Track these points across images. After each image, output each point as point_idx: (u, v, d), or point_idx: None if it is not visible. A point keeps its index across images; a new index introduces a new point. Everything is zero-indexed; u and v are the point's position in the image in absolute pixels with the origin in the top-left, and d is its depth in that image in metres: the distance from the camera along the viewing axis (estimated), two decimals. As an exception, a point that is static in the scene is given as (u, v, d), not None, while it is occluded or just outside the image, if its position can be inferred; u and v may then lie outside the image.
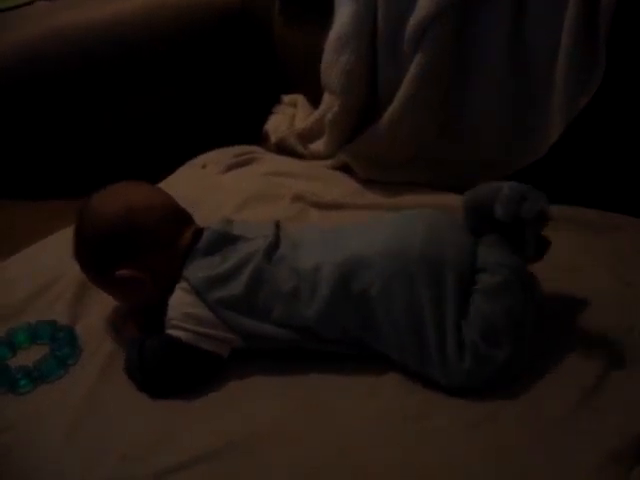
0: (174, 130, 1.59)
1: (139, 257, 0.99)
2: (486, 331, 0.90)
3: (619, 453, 0.81)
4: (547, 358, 0.93)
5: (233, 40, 1.62)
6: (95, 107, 1.52)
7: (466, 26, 1.26)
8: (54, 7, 1.61)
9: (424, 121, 1.32)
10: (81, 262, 1.04)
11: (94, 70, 1.50)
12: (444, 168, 1.34)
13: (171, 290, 0.99)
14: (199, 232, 1.03)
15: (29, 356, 1.03)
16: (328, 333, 0.96)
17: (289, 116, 1.57)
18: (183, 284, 0.98)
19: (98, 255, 1.01)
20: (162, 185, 1.40)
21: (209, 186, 1.39)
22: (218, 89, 1.61)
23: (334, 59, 1.35)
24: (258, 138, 1.57)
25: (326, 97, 1.43)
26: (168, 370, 0.96)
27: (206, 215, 1.19)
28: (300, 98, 1.59)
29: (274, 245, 1.01)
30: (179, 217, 1.04)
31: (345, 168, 1.41)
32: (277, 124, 1.57)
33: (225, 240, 1.01)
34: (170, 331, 0.97)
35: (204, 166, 1.47)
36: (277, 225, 1.05)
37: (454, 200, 1.26)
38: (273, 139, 1.54)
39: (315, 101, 1.51)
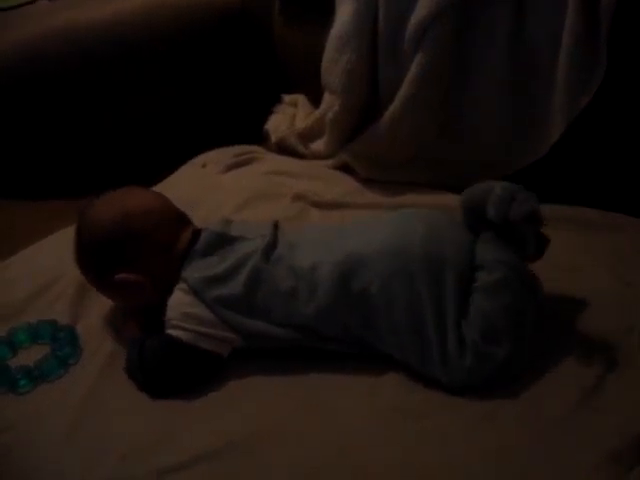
0: (174, 130, 1.59)
1: (137, 261, 1.00)
2: (486, 329, 0.90)
3: (619, 453, 0.81)
4: (547, 358, 0.93)
5: (233, 40, 1.62)
6: (95, 107, 1.52)
7: (466, 26, 1.26)
8: (55, 7, 1.61)
9: (424, 121, 1.32)
10: (81, 267, 1.05)
11: (94, 70, 1.50)
12: (444, 168, 1.33)
13: (170, 291, 0.99)
14: (197, 233, 1.03)
15: (30, 356, 1.03)
16: (329, 331, 0.96)
17: (289, 116, 1.57)
18: (182, 285, 0.99)
19: (97, 260, 1.02)
20: (162, 185, 1.40)
21: (209, 186, 1.39)
22: (218, 89, 1.61)
23: (335, 58, 1.35)
24: (258, 138, 1.57)
25: (326, 97, 1.43)
26: (168, 370, 0.96)
27: (206, 215, 1.19)
28: (300, 98, 1.59)
29: (272, 245, 1.01)
30: (177, 220, 1.05)
31: (345, 168, 1.41)
32: (277, 124, 1.57)
33: (223, 241, 1.02)
34: (170, 331, 0.97)
35: (204, 166, 1.47)
36: (275, 225, 1.05)
37: (454, 200, 1.25)
38: (273, 139, 1.53)
39: (315, 101, 1.51)
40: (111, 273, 1.00)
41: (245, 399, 0.93)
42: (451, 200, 1.24)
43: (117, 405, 0.95)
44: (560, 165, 1.24)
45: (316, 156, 1.47)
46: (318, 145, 1.48)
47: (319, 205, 1.30)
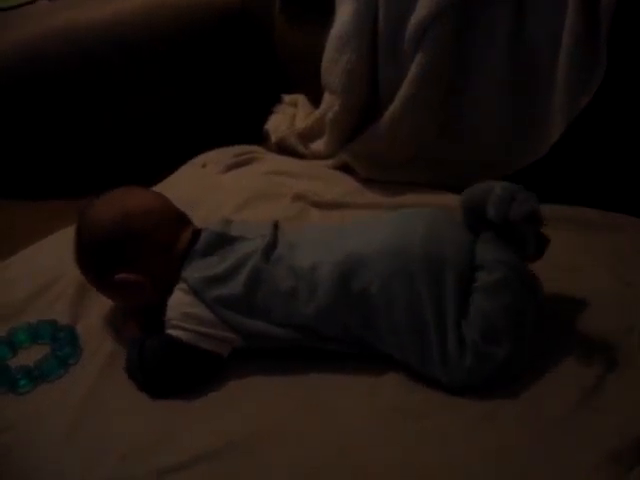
0: (174, 130, 1.59)
1: (137, 261, 1.00)
2: (486, 329, 0.90)
3: (619, 453, 0.81)
4: (547, 358, 0.93)
5: (233, 40, 1.62)
6: (95, 107, 1.52)
7: (466, 26, 1.26)
8: (55, 7, 1.61)
9: (424, 121, 1.32)
10: (81, 267, 1.05)
11: (94, 70, 1.50)
12: (444, 168, 1.33)
13: (170, 291, 0.99)
14: (197, 233, 1.03)
15: (30, 356, 1.03)
16: (328, 331, 0.96)
17: (289, 116, 1.57)
18: (182, 285, 0.99)
19: (96, 261, 1.02)
20: (162, 185, 1.40)
21: (209, 186, 1.39)
22: (218, 89, 1.61)
23: (335, 58, 1.35)
24: (259, 138, 1.57)
25: (327, 97, 1.43)
26: (168, 370, 0.96)
27: (206, 215, 1.19)
28: (300, 98, 1.59)
29: (272, 245, 1.01)
30: (176, 219, 1.05)
31: (345, 168, 1.41)
32: (277, 124, 1.57)
33: (223, 241, 1.02)
34: (170, 331, 0.97)
35: (204, 166, 1.47)
36: (275, 225, 1.05)
37: (454, 200, 1.25)
38: (273, 139, 1.53)
39: (315, 101, 1.51)
40: (111, 273, 1.00)
41: (245, 399, 0.93)
42: (451, 200, 1.24)
43: (117, 405, 0.95)
44: (560, 165, 1.24)
45: (316, 156, 1.47)
46: (318, 145, 1.48)
47: (319, 205, 1.30)
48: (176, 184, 1.40)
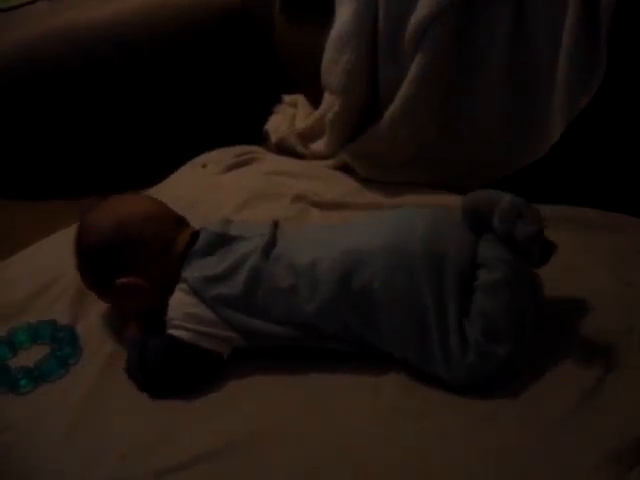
0: (174, 130, 1.59)
1: (136, 266, 1.01)
2: (487, 328, 0.90)
3: (619, 453, 0.81)
4: (547, 358, 0.93)
5: (233, 40, 1.62)
6: (95, 107, 1.52)
7: (466, 26, 1.26)
8: (55, 7, 1.61)
9: (424, 121, 1.32)
10: (83, 276, 1.06)
11: (94, 70, 1.50)
12: (444, 168, 1.33)
13: (171, 292, 1.00)
14: (195, 234, 1.04)
15: (30, 356, 1.03)
16: (329, 328, 0.96)
17: (289, 116, 1.57)
18: (182, 285, 0.99)
19: (97, 268, 1.03)
20: (162, 185, 1.40)
21: (209, 186, 1.39)
22: (218, 89, 1.61)
23: (335, 58, 1.35)
24: (259, 138, 1.57)
25: (327, 97, 1.43)
26: (170, 370, 0.97)
27: (206, 215, 1.19)
28: (300, 98, 1.59)
29: (271, 243, 1.01)
30: (174, 222, 1.06)
31: (345, 168, 1.41)
32: (277, 124, 1.57)
33: (221, 240, 1.02)
34: (171, 331, 0.97)
35: (204, 166, 1.47)
36: (274, 224, 1.06)
37: (454, 200, 1.25)
38: (273, 139, 1.53)
39: (315, 101, 1.51)
40: (112, 279, 1.01)
41: (245, 399, 0.93)
42: (451, 200, 1.24)
43: (117, 405, 0.95)
44: (560, 165, 1.24)
45: (316, 156, 1.47)
46: (318, 145, 1.48)
47: (319, 205, 1.30)
48: (176, 184, 1.41)
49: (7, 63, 1.47)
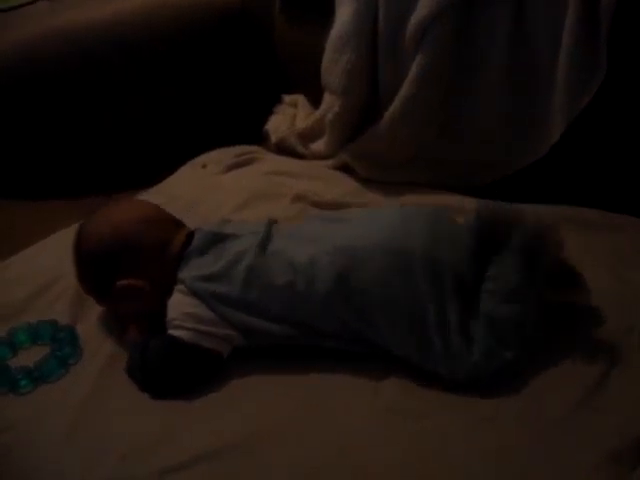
0: (175, 130, 1.59)
1: (135, 269, 1.01)
2: (495, 332, 0.90)
3: (619, 453, 0.81)
4: (547, 358, 0.93)
5: (233, 40, 1.62)
6: (95, 107, 1.52)
7: (466, 26, 1.26)
8: (55, 7, 1.61)
9: (424, 121, 1.32)
10: (83, 283, 1.07)
11: (94, 70, 1.50)
12: (444, 168, 1.33)
13: (170, 293, 1.00)
14: (191, 235, 1.04)
15: (30, 356, 1.03)
16: (326, 326, 0.96)
17: (290, 116, 1.57)
18: (180, 286, 1.00)
19: (97, 274, 1.03)
20: (162, 185, 1.40)
21: (209, 186, 1.39)
22: (218, 89, 1.61)
23: (335, 58, 1.35)
24: (259, 138, 1.57)
25: (327, 97, 1.43)
26: (171, 370, 0.97)
27: (206, 215, 1.19)
28: (301, 98, 1.59)
29: (267, 239, 1.01)
30: (169, 224, 1.07)
31: (345, 168, 1.41)
32: (278, 124, 1.57)
33: (216, 239, 1.03)
34: (172, 331, 0.97)
35: (204, 166, 1.47)
36: (270, 222, 1.06)
37: (454, 200, 1.26)
38: (274, 139, 1.53)
39: (316, 101, 1.51)
40: (112, 283, 1.01)
41: (245, 399, 0.93)
42: (451, 200, 1.24)
43: (117, 405, 0.95)
44: (560, 165, 1.24)
45: (316, 156, 1.47)
46: (318, 145, 1.48)
47: (319, 205, 1.30)
48: (176, 184, 1.41)
49: (7, 63, 1.47)
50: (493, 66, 1.25)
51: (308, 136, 1.50)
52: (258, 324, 0.97)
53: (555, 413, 0.87)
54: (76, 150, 1.52)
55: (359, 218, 1.06)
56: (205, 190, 1.37)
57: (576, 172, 1.24)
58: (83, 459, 0.88)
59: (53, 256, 1.19)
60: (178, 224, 1.08)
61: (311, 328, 0.96)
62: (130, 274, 1.01)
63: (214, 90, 1.61)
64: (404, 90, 1.29)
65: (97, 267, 1.03)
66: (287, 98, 1.61)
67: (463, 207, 1.23)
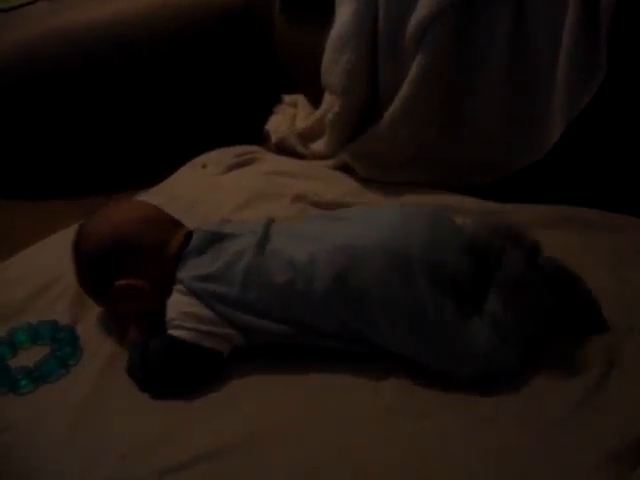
0: (174, 130, 1.59)
1: (134, 269, 1.01)
2: (498, 332, 0.90)
3: (619, 453, 0.81)
4: (547, 358, 0.93)
5: (234, 40, 1.62)
6: (95, 107, 1.52)
7: (466, 26, 1.26)
8: (55, 7, 1.61)
9: (424, 121, 1.32)
10: (83, 284, 1.07)
11: (94, 70, 1.50)
12: (444, 168, 1.33)
13: (169, 293, 1.00)
14: (189, 235, 1.05)
15: (30, 356, 1.03)
16: (326, 326, 0.96)
17: (290, 116, 1.57)
18: (178, 286, 1.00)
19: (96, 275, 1.03)
20: (162, 185, 1.40)
21: (209, 186, 1.39)
22: (219, 89, 1.61)
23: (335, 58, 1.35)
24: (259, 138, 1.57)
25: (327, 97, 1.43)
26: (171, 370, 0.97)
27: (206, 215, 1.19)
28: (301, 98, 1.59)
29: (265, 239, 1.01)
30: (168, 224, 1.07)
31: (345, 168, 1.41)
32: (278, 124, 1.57)
33: (214, 239, 1.03)
34: (172, 331, 0.97)
35: (204, 166, 1.47)
36: (269, 221, 1.06)
37: (454, 200, 1.26)
38: (274, 139, 1.53)
39: (316, 101, 1.51)
40: (111, 283, 1.01)
41: (245, 399, 0.93)
42: (451, 200, 1.24)
43: (117, 405, 0.95)
44: (560, 165, 1.24)
45: (316, 156, 1.47)
46: (318, 145, 1.48)
47: (319, 205, 1.30)
48: (176, 184, 1.41)
49: (7, 63, 1.47)
50: (493, 66, 1.25)
51: (308, 136, 1.50)
52: (257, 323, 0.97)
53: (555, 413, 0.87)
54: (76, 150, 1.52)
55: (359, 217, 1.06)
56: (205, 190, 1.37)
57: (576, 172, 1.24)
58: (83, 459, 0.88)
59: (53, 256, 1.19)
60: (177, 224, 1.08)
61: (310, 328, 0.96)
62: (129, 274, 1.01)
63: (214, 90, 1.61)
64: (404, 90, 1.29)
65: (96, 268, 1.03)
66: (287, 98, 1.61)
67: (463, 207, 1.23)
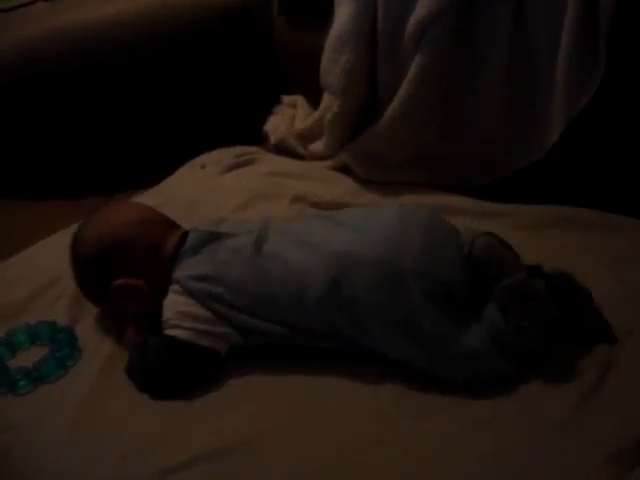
0: (174, 130, 1.59)
1: (131, 270, 1.01)
2: (496, 339, 0.90)
3: (618, 454, 0.81)
4: (545, 360, 0.93)
5: (233, 40, 1.62)
6: (95, 107, 1.52)
7: (466, 26, 1.26)
8: (55, 7, 1.61)
9: (424, 121, 1.31)
10: (81, 287, 1.08)
11: (94, 70, 1.50)
12: (444, 168, 1.33)
13: (166, 293, 1.00)
14: (185, 235, 1.05)
15: (29, 357, 1.03)
16: (320, 329, 0.96)
17: (289, 117, 1.57)
18: (174, 286, 1.00)
19: (94, 277, 1.04)
20: (162, 185, 1.40)
21: (209, 186, 1.39)
22: (218, 89, 1.61)
23: (334, 58, 1.35)
24: (258, 139, 1.57)
25: (326, 97, 1.43)
26: (170, 369, 0.97)
27: (206, 215, 1.19)
28: (300, 99, 1.59)
29: (262, 239, 1.01)
30: (164, 225, 1.07)
31: (345, 168, 1.41)
32: (277, 125, 1.57)
33: (210, 239, 1.03)
34: (169, 331, 0.97)
35: (204, 166, 1.47)
36: (265, 221, 1.05)
37: (454, 200, 1.26)
38: (273, 140, 1.53)
39: (315, 102, 1.51)
40: (108, 283, 1.01)
41: (245, 399, 0.93)
42: (451, 201, 1.24)
43: (117, 405, 0.95)
44: (560, 165, 1.24)
45: (315, 157, 1.47)
46: (317, 146, 1.48)
47: (318, 206, 1.30)
48: (176, 184, 1.41)
49: (7, 63, 1.47)
50: (493, 66, 1.25)
51: (307, 137, 1.50)
52: (254, 324, 0.97)
53: (553, 416, 0.87)
54: (76, 150, 1.52)
55: (356, 221, 1.03)
56: (205, 191, 1.37)
57: (575, 172, 1.24)
58: (83, 459, 0.88)
59: (53, 256, 1.19)
60: (173, 225, 1.08)
61: (307, 330, 0.96)
62: (126, 275, 1.01)
63: (214, 90, 1.61)
64: (403, 90, 1.29)
65: (94, 271, 1.03)
66: (286, 99, 1.61)
67: (463, 207, 1.23)
